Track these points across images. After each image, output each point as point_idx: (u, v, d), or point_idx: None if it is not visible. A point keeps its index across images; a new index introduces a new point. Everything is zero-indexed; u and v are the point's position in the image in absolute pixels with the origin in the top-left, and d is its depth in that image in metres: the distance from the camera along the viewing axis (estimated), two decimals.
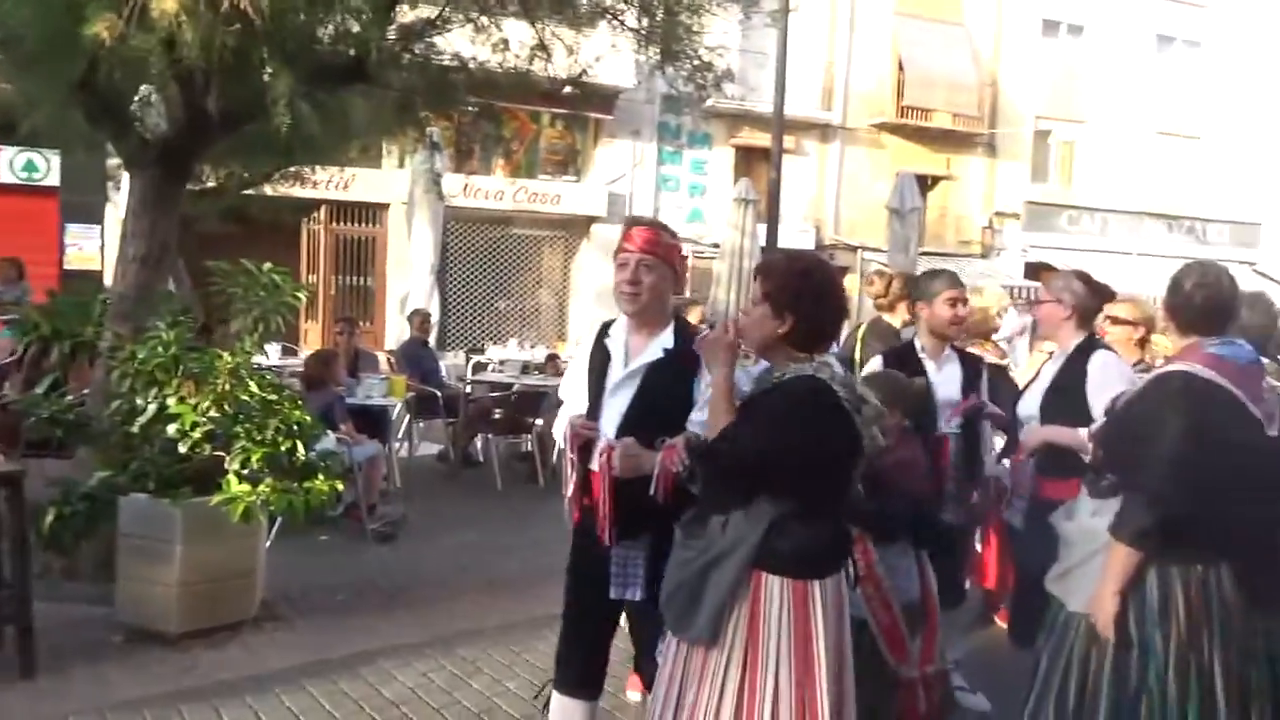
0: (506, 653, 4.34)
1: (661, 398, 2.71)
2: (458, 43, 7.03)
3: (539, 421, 8.18)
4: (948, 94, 21.03)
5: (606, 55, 8.17)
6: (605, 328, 2.91)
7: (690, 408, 2.69)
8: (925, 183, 20.95)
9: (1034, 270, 21.68)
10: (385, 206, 17.29)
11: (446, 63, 6.96)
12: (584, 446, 2.75)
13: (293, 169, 9.20)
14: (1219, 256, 23.59)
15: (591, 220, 18.83)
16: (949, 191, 21.96)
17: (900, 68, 20.85)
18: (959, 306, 3.86)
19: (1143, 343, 4.17)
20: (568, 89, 8.47)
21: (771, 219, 12.27)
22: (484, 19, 6.79)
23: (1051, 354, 3.88)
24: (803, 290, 2.40)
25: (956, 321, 3.90)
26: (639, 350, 2.78)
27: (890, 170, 19.01)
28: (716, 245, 14.89)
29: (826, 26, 20.47)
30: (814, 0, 19.89)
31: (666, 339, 2.76)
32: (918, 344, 3.92)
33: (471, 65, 7.19)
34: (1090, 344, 3.63)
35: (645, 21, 7.89)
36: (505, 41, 7.44)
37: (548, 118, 18.18)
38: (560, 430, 2.96)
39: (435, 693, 3.92)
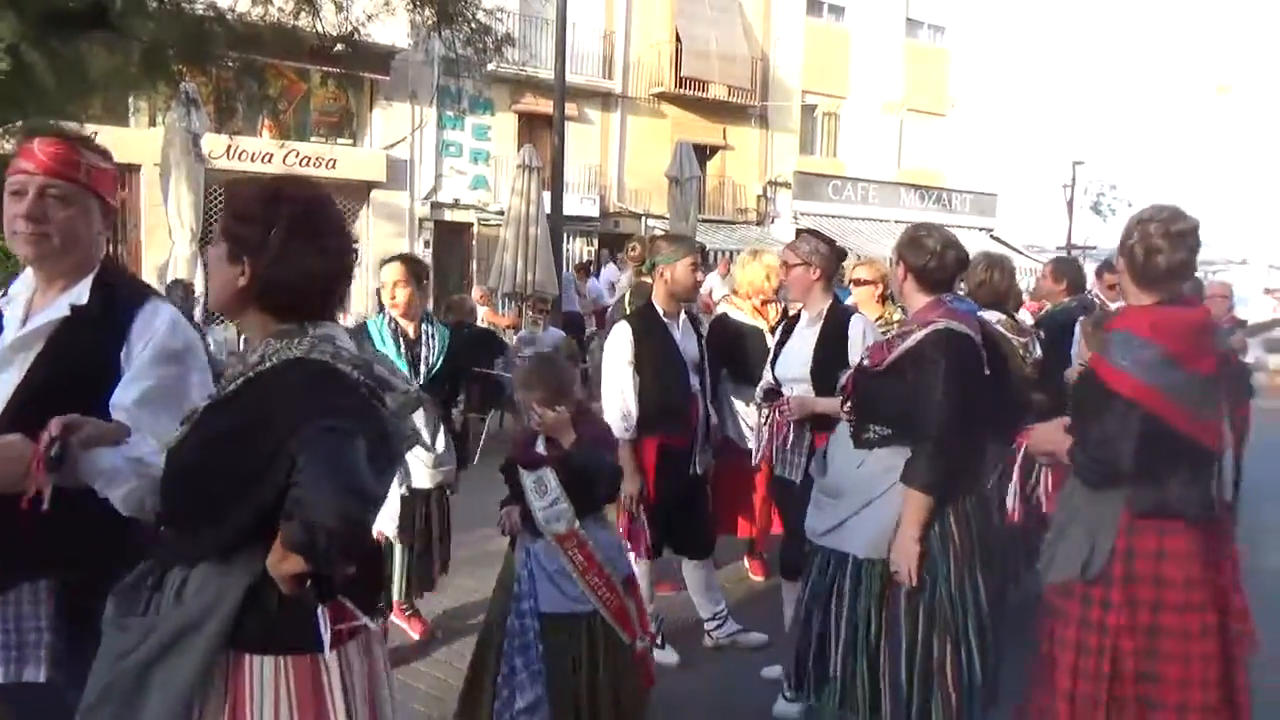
0: None
1: (64, 373, 1.92)
2: None
3: None
4: (722, 66, 21.79)
5: (380, 14, 7.89)
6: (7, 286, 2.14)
7: (111, 385, 1.92)
8: (704, 152, 21.67)
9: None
10: (135, 168, 15.83)
11: (201, 13, 6.49)
12: None
13: (19, 124, 8.26)
14: (963, 224, 26.07)
15: (371, 186, 18.11)
16: (726, 161, 22.83)
17: (677, 39, 21.36)
18: (698, 272, 4.02)
19: (883, 299, 4.50)
20: (339, 47, 8.10)
21: (556, 186, 12.29)
22: None
23: (795, 316, 3.91)
24: (269, 223, 1.66)
25: (698, 285, 4.10)
26: (41, 310, 2.00)
27: (670, 139, 19.50)
28: (502, 213, 14.76)
29: None
30: None
31: (80, 293, 1.99)
32: (658, 307, 3.95)
33: (230, 17, 6.74)
34: (840, 306, 3.77)
35: None
36: None
37: (318, 76, 17.24)
38: None
39: None
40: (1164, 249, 2.45)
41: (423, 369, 3.90)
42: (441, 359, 3.98)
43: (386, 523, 3.76)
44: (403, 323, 3.97)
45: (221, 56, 7.16)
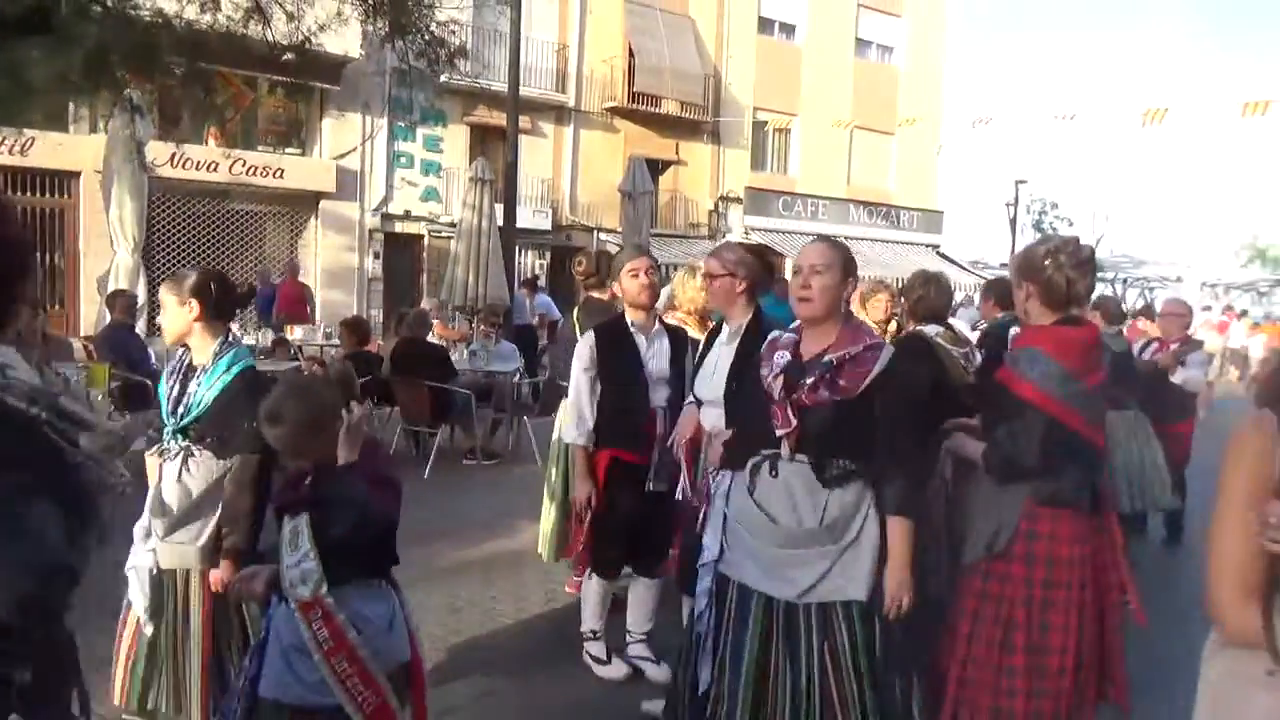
0: None
1: None
2: None
3: None
4: (674, 82, 21.94)
5: (333, 23, 7.81)
6: None
7: None
8: (656, 167, 21.78)
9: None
10: (75, 175, 15.46)
11: (148, 19, 6.36)
12: None
13: None
14: (911, 240, 26.54)
15: (320, 196, 17.89)
16: (679, 175, 22.97)
17: (630, 54, 21.46)
18: (642, 276, 3.87)
19: None
20: (289, 56, 8.01)
21: (509, 199, 12.27)
22: None
23: (716, 328, 3.72)
24: None
25: (645, 289, 3.89)
26: None
27: (623, 153, 19.59)
28: (453, 225, 14.67)
29: (558, 9, 20.66)
30: None
31: None
32: (629, 320, 3.91)
33: (177, 24, 6.62)
34: (762, 320, 3.48)
35: None
36: (215, 0, 6.93)
37: (267, 85, 17.00)
38: None
39: None
40: (1077, 278, 2.83)
41: (180, 409, 3.07)
42: (208, 401, 3.03)
43: (137, 597, 3.08)
44: (196, 351, 3.14)
45: (167, 64, 7.03)
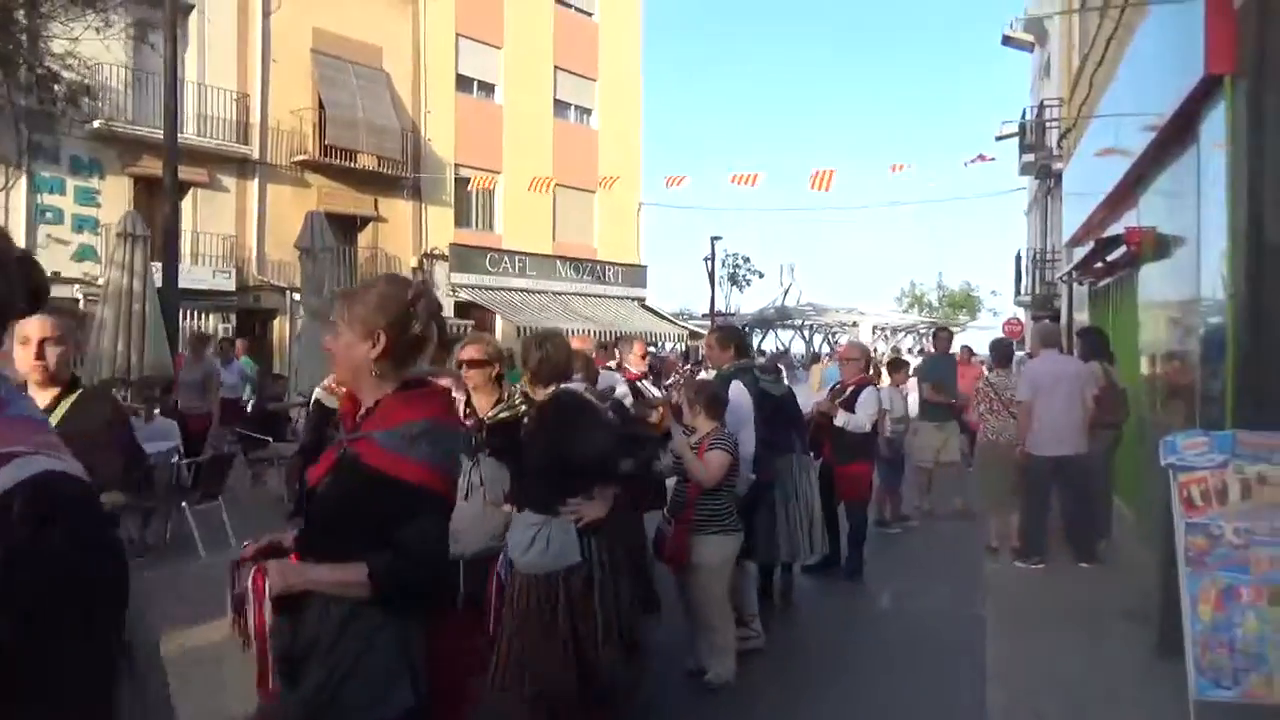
0: None
1: None
2: None
3: None
4: (370, 136, 21.18)
5: None
6: None
7: None
8: (355, 223, 20.88)
9: (464, 309, 22.81)
10: None
11: None
12: None
13: None
14: (616, 294, 27.27)
15: None
16: (379, 232, 22.12)
17: (321, 106, 20.49)
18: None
19: (499, 379, 4.15)
20: None
21: (168, 256, 11.03)
22: None
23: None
24: None
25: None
26: None
27: (317, 209, 18.51)
28: None
29: (238, 57, 19.33)
30: (225, 28, 18.72)
31: None
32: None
33: None
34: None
35: None
36: None
37: None
38: None
39: None
40: (435, 331, 2.21)
41: None
42: None
43: None
44: None
45: None
